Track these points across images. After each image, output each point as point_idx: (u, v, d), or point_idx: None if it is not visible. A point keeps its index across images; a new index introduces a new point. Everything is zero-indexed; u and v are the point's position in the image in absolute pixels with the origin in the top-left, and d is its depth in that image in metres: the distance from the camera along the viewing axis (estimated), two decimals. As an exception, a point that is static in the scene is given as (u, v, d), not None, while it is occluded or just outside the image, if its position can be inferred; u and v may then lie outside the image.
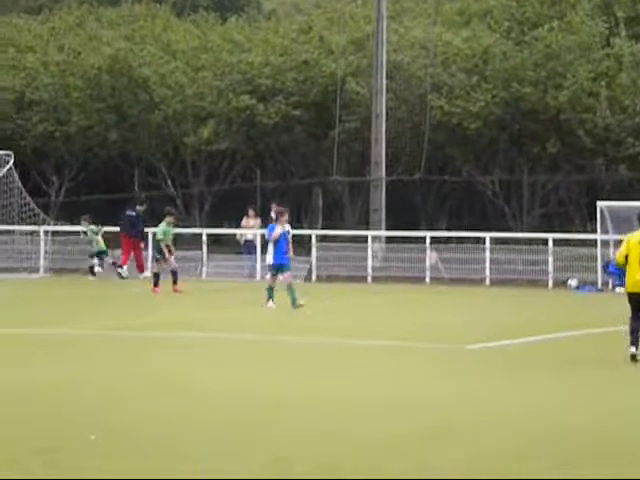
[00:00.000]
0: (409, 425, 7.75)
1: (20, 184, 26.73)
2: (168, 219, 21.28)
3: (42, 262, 26.73)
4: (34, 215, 26.87)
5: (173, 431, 7.46)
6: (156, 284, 20.63)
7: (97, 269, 26.45)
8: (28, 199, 26.94)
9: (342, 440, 7.20)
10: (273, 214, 26.52)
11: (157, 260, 21.07)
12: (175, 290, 20.49)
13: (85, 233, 25.88)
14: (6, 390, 9.10)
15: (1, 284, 23.85)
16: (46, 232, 27.16)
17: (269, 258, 17.85)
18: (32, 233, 27.29)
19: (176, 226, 22.51)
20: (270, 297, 17.44)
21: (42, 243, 26.96)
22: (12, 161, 26.11)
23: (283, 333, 14.16)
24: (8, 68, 32.28)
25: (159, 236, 21.08)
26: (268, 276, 19.08)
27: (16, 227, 27.11)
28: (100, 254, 25.53)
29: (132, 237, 25.32)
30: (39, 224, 26.91)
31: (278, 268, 17.52)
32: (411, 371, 10.71)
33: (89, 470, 6.32)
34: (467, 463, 6.56)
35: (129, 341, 13.10)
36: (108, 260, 25.54)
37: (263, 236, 26.30)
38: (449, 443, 7.14)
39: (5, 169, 26.00)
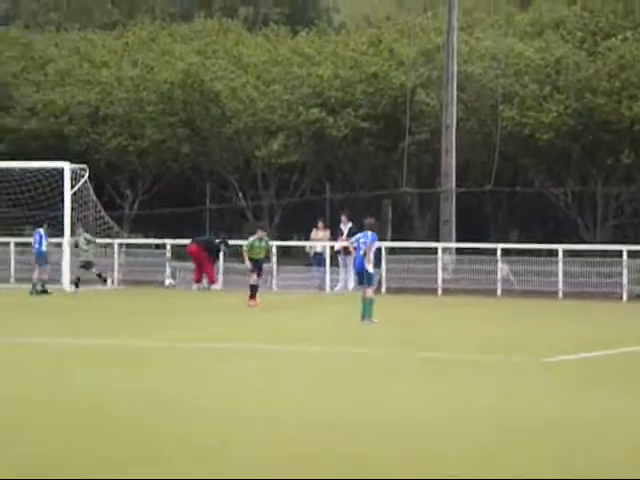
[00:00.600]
0: (478, 440, 7.68)
1: (95, 197, 27.18)
2: (259, 234, 21.28)
3: (116, 274, 27.12)
4: (108, 228, 27.29)
5: (237, 439, 7.50)
6: (252, 296, 20.60)
7: (169, 281, 26.70)
8: (102, 212, 27.37)
9: (413, 456, 7.17)
10: (342, 226, 26.69)
11: (251, 272, 20.87)
12: (250, 305, 20.44)
13: (77, 245, 25.51)
14: (77, 400, 9.24)
15: (77, 296, 24.26)
16: (120, 245, 27.57)
17: (371, 267, 17.42)
18: (106, 246, 27.71)
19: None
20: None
21: (116, 255, 27.37)
22: (87, 175, 26.55)
23: (352, 345, 14.15)
24: (83, 83, 32.90)
25: (244, 247, 21.09)
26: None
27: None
28: (88, 265, 25.27)
29: (210, 255, 25.58)
30: (113, 237, 27.31)
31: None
32: (487, 385, 10.60)
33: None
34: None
35: (201, 352, 13.22)
36: (93, 271, 25.25)
37: (332, 248, 26.44)
38: (516, 459, 7.06)
39: (80, 183, 26.45)
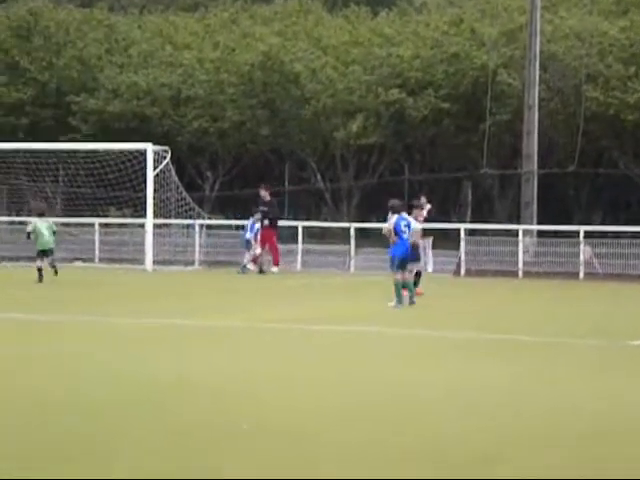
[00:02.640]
0: (559, 428, 7.59)
1: (176, 179, 27.49)
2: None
3: (197, 255, 27.42)
4: (190, 209, 27.59)
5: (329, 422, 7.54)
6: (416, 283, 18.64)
7: (250, 265, 26.82)
8: (184, 194, 27.68)
9: (502, 437, 7.13)
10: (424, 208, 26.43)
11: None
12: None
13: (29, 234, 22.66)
14: (162, 382, 9.40)
15: (159, 276, 24.65)
16: (201, 226, 27.86)
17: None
18: (188, 227, 28.04)
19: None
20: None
21: (197, 236, 27.67)
22: (169, 156, 26.84)
23: (430, 328, 14.09)
24: (165, 65, 33.27)
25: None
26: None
27: (173, 221, 27.92)
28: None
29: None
30: (194, 218, 27.62)
31: None
32: (570, 369, 10.46)
33: (237, 460, 6.47)
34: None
35: (280, 333, 13.33)
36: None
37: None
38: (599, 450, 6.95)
39: (162, 164, 26.75)
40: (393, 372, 10.04)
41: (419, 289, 18.27)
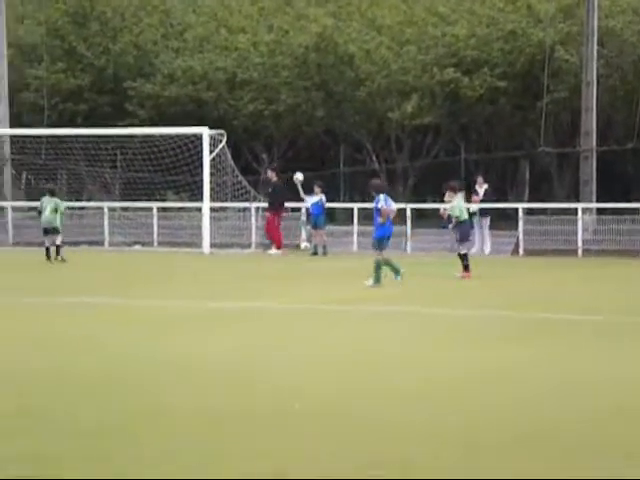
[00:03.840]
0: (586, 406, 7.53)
1: (232, 162, 27.60)
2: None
3: (254, 238, 27.55)
4: (246, 192, 27.70)
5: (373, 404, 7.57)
6: (466, 267, 18.37)
7: (304, 244, 26.95)
8: (240, 177, 27.79)
9: (540, 415, 7.10)
10: (478, 187, 26.28)
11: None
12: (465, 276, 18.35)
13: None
14: (225, 365, 9.49)
15: (216, 259, 24.83)
16: (257, 209, 27.97)
17: None
18: (244, 210, 28.17)
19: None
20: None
21: (253, 220, 27.79)
22: (225, 140, 26.97)
23: (490, 307, 14.01)
24: (221, 49, 33.39)
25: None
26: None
27: (229, 204, 28.07)
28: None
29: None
30: (250, 201, 27.73)
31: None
32: (630, 348, 10.36)
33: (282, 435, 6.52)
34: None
35: (332, 315, 13.38)
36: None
37: (467, 210, 26.00)
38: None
39: (218, 148, 26.89)
40: (450, 353, 10.03)
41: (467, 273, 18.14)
